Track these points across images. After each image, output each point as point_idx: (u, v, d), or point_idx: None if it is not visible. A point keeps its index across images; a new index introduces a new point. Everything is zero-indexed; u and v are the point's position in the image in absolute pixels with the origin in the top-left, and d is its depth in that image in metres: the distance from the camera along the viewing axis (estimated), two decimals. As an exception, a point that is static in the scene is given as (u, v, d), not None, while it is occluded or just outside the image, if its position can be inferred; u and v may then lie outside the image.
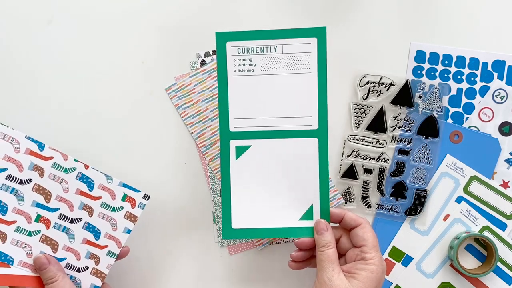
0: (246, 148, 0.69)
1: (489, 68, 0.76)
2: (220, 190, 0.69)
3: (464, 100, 0.76)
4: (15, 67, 0.77)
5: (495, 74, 0.76)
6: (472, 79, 0.76)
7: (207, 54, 0.76)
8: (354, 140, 0.76)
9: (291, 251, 0.69)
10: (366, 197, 0.76)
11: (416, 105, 0.76)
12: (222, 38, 0.68)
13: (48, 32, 0.77)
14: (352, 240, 0.66)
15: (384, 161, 0.76)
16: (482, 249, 0.75)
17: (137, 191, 0.69)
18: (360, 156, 0.76)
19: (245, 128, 0.68)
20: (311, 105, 0.68)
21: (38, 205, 0.65)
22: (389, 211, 0.76)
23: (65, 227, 0.66)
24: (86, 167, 0.67)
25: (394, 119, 0.76)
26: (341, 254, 0.67)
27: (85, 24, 0.77)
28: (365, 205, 0.76)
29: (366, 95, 0.76)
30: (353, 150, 0.76)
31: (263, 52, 0.67)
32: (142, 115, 0.77)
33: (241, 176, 0.69)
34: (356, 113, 0.76)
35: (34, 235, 0.65)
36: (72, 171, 0.66)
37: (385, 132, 0.76)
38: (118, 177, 0.77)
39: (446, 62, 0.76)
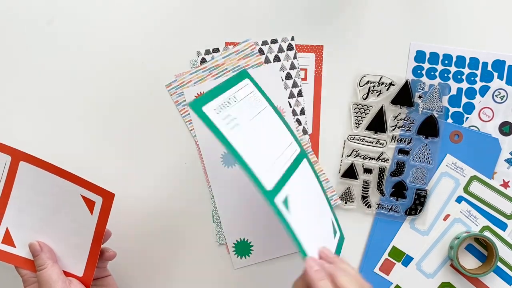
0: (287, 198, 0.59)
1: (489, 68, 0.76)
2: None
3: (464, 100, 0.76)
4: (15, 67, 0.77)
5: (495, 74, 0.76)
6: (472, 79, 0.76)
7: (207, 52, 0.77)
8: (354, 140, 0.76)
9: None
10: (366, 197, 0.76)
11: (416, 105, 0.76)
12: (197, 106, 0.57)
13: (48, 32, 0.77)
14: None
15: (384, 161, 0.76)
16: (483, 249, 0.75)
17: None
18: (360, 156, 0.76)
19: (275, 179, 0.59)
20: (286, 133, 0.67)
21: None
22: (389, 211, 0.76)
23: None
24: None
25: (394, 119, 0.76)
26: None
27: (85, 24, 0.77)
28: (365, 205, 0.76)
29: (366, 95, 0.76)
30: (353, 150, 0.76)
31: (230, 104, 0.62)
32: (142, 114, 0.77)
33: (298, 221, 0.59)
34: (356, 113, 0.76)
35: None
36: None
37: (385, 132, 0.76)
38: (117, 176, 0.77)
39: (446, 62, 0.76)
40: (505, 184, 0.75)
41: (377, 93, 0.76)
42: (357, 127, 0.76)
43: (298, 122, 0.76)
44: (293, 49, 0.76)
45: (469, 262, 0.75)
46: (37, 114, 0.77)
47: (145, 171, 0.77)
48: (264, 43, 0.76)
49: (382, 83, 0.76)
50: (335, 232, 0.68)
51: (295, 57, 0.76)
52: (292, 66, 0.76)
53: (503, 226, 0.75)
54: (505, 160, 0.75)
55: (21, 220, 0.66)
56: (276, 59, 0.76)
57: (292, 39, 0.76)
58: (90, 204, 0.65)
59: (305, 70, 0.76)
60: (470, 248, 0.75)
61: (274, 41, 0.76)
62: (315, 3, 0.77)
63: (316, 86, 0.76)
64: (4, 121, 0.78)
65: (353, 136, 0.76)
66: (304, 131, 0.76)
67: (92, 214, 0.65)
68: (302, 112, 0.76)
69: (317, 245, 0.61)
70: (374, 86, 0.76)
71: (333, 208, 0.73)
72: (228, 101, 0.62)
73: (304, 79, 0.76)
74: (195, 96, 0.76)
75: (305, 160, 0.68)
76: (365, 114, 0.76)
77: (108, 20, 0.77)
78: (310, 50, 0.76)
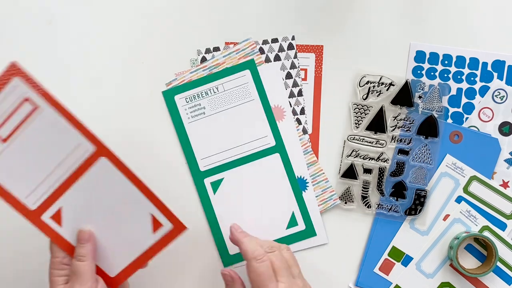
0: (219, 181, 0.76)
1: (489, 68, 0.76)
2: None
3: (464, 100, 0.76)
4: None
5: (495, 74, 0.76)
6: (472, 79, 0.76)
7: (207, 51, 0.77)
8: (354, 140, 0.76)
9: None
10: (366, 197, 0.76)
11: (416, 105, 0.76)
12: (169, 94, 0.76)
13: (48, 32, 0.77)
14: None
15: (384, 161, 0.76)
16: (482, 249, 0.75)
17: None
18: (360, 156, 0.76)
19: (214, 165, 0.76)
20: (264, 126, 0.76)
21: None
22: (389, 211, 0.76)
23: None
24: None
25: (394, 119, 0.76)
26: None
27: (85, 24, 0.77)
28: (365, 205, 0.76)
29: (366, 95, 0.76)
30: (353, 150, 0.76)
31: (208, 95, 0.75)
32: (142, 113, 0.77)
33: (224, 207, 0.76)
34: (356, 113, 0.76)
35: None
36: None
37: (385, 132, 0.76)
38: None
39: (446, 62, 0.76)
40: (505, 184, 0.75)
41: (377, 93, 0.76)
42: (357, 127, 0.76)
43: (298, 121, 0.76)
44: (293, 48, 0.76)
45: (469, 262, 0.75)
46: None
47: (144, 171, 0.77)
48: (265, 42, 0.76)
49: (382, 83, 0.76)
50: (292, 224, 0.76)
51: (295, 57, 0.76)
52: (293, 66, 0.76)
53: (503, 226, 0.75)
54: (505, 160, 0.75)
55: (78, 205, 0.64)
56: (277, 58, 0.76)
57: (293, 38, 0.76)
58: (156, 224, 0.64)
59: (305, 70, 0.76)
60: (469, 248, 0.75)
61: (275, 40, 0.76)
62: (315, 3, 0.77)
63: (316, 86, 0.77)
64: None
65: (353, 136, 0.76)
66: (304, 131, 0.76)
67: (153, 233, 0.64)
68: (302, 111, 0.76)
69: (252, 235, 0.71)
70: (374, 86, 0.76)
71: (303, 203, 0.76)
72: (206, 91, 0.75)
73: (304, 79, 0.76)
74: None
75: (277, 154, 0.76)
76: (365, 114, 0.76)
77: (108, 19, 0.77)
78: (310, 50, 0.76)
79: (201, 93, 0.75)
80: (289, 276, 0.65)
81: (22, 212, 0.63)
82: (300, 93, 0.76)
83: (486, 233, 0.74)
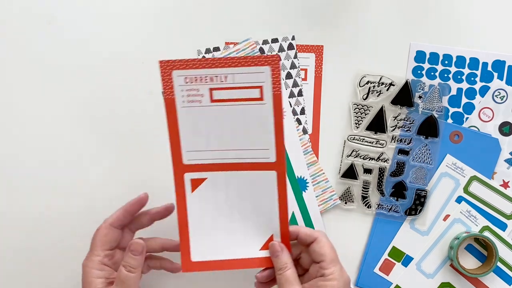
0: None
1: (489, 68, 0.76)
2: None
3: (464, 100, 0.76)
4: (15, 67, 0.77)
5: (495, 74, 0.76)
6: (472, 79, 0.76)
7: (207, 51, 0.76)
8: (354, 140, 0.76)
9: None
10: (366, 197, 0.76)
11: (416, 105, 0.76)
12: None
13: (48, 32, 0.77)
14: (311, 256, 0.64)
15: (384, 161, 0.76)
16: (482, 249, 0.75)
17: None
18: (360, 156, 0.76)
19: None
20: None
21: None
22: (389, 211, 0.76)
23: None
24: None
25: (394, 119, 0.76)
26: (306, 269, 0.65)
27: (85, 24, 0.77)
28: (365, 205, 0.76)
29: (366, 95, 0.76)
30: (353, 150, 0.76)
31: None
32: (142, 113, 0.77)
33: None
34: (356, 113, 0.76)
35: None
36: None
37: (385, 132, 0.76)
38: (118, 177, 0.77)
39: (446, 62, 0.76)
40: (505, 184, 0.75)
41: (377, 93, 0.76)
42: (357, 127, 0.76)
43: (298, 121, 0.76)
44: (293, 48, 0.76)
45: (469, 262, 0.75)
46: (37, 113, 0.77)
47: (145, 172, 0.77)
48: (265, 42, 0.76)
49: (382, 83, 0.76)
50: (292, 224, 0.73)
51: (295, 57, 0.76)
52: (293, 66, 0.76)
53: (503, 226, 0.75)
54: (505, 160, 0.75)
55: (218, 187, 0.65)
56: (277, 58, 0.76)
57: (293, 38, 0.76)
58: (266, 246, 0.65)
59: (305, 70, 0.76)
60: (470, 248, 0.75)
61: (275, 40, 0.76)
62: (315, 3, 0.77)
63: (316, 86, 0.76)
64: (4, 121, 0.78)
65: (353, 136, 0.76)
66: (304, 131, 0.76)
67: (258, 251, 0.65)
68: (302, 111, 0.76)
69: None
70: (374, 86, 0.76)
71: (303, 203, 0.75)
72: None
73: (304, 79, 0.76)
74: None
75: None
76: (365, 114, 0.76)
77: (108, 19, 0.77)
78: (310, 50, 0.76)
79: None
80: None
81: (174, 158, 0.64)
82: (300, 93, 0.76)
83: (487, 233, 0.74)
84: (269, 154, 0.63)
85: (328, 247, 0.63)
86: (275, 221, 0.65)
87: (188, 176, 0.65)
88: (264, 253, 0.65)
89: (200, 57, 0.76)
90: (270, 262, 0.65)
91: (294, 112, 0.76)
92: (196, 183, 0.66)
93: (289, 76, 0.76)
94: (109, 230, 0.65)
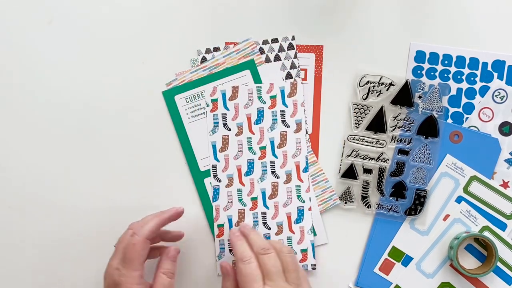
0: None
1: (489, 68, 0.76)
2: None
3: (464, 100, 0.76)
4: (15, 67, 0.77)
5: (495, 74, 0.76)
6: (472, 79, 0.76)
7: (207, 51, 0.77)
8: (354, 140, 0.76)
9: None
10: (366, 197, 0.76)
11: (416, 105, 0.76)
12: (170, 94, 0.75)
13: (48, 32, 0.77)
14: None
15: (384, 161, 0.76)
16: (482, 249, 0.75)
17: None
18: (360, 156, 0.76)
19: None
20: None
21: None
22: (389, 211, 0.76)
23: None
24: None
25: (394, 119, 0.76)
26: None
27: (85, 24, 0.77)
28: (365, 205, 0.76)
29: (366, 95, 0.76)
30: (353, 150, 0.76)
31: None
32: (143, 112, 0.77)
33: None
34: (356, 113, 0.76)
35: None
36: None
37: (385, 132, 0.76)
38: (118, 177, 0.77)
39: (446, 62, 0.76)
40: (505, 184, 0.75)
41: (377, 93, 0.76)
42: (357, 127, 0.76)
43: (298, 122, 0.76)
44: (293, 48, 0.76)
45: (469, 262, 0.75)
46: (37, 113, 0.77)
47: (145, 171, 0.77)
48: (265, 42, 0.76)
49: (382, 83, 0.76)
50: None
51: (295, 57, 0.76)
52: (293, 66, 0.76)
53: (503, 226, 0.75)
54: (505, 160, 0.75)
55: None
56: (277, 58, 0.76)
57: (293, 38, 0.76)
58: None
59: (305, 70, 0.76)
60: (469, 248, 0.75)
61: (275, 40, 0.76)
62: (314, 3, 0.77)
63: (316, 86, 0.76)
64: (3, 120, 0.78)
65: (353, 136, 0.76)
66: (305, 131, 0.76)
67: None
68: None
69: None
70: (374, 86, 0.76)
71: None
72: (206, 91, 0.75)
73: (304, 79, 0.76)
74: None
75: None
76: (365, 114, 0.76)
77: (108, 19, 0.77)
78: (310, 50, 0.76)
79: (201, 93, 0.76)
80: (280, 280, 0.64)
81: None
82: (300, 93, 0.76)
83: (486, 233, 0.74)
84: None
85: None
86: None
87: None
88: None
89: (200, 57, 0.76)
90: None
91: (294, 112, 0.76)
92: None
93: (289, 76, 0.76)
94: (146, 244, 0.65)
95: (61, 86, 0.77)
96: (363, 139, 0.76)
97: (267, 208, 0.75)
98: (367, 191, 0.76)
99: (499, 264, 0.74)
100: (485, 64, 0.76)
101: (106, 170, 0.77)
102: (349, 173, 0.76)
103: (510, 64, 0.75)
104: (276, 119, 0.75)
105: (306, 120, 0.76)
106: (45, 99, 0.77)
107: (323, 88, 0.77)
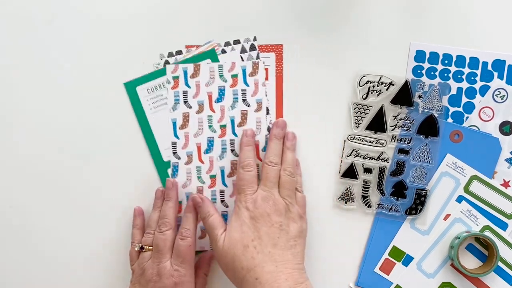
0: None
1: (489, 68, 0.76)
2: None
3: (464, 99, 0.76)
4: (15, 67, 0.77)
5: (495, 74, 0.76)
6: (472, 78, 0.76)
7: (170, 55, 0.77)
8: (354, 140, 0.76)
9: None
10: (366, 196, 0.76)
11: (416, 105, 0.76)
12: (131, 85, 0.76)
13: (48, 32, 0.77)
14: None
15: (384, 161, 0.76)
16: (483, 248, 0.75)
17: None
18: (360, 156, 0.76)
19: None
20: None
21: None
22: (389, 211, 0.76)
23: None
24: None
25: (394, 119, 0.76)
26: None
27: (85, 24, 0.77)
28: (365, 204, 0.76)
29: (365, 95, 0.76)
30: (353, 150, 0.76)
31: (169, 84, 0.76)
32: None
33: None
34: (356, 113, 0.76)
35: None
36: None
37: (385, 132, 0.76)
38: (110, 175, 0.77)
39: (446, 61, 0.76)
40: (506, 184, 0.75)
41: (377, 93, 0.76)
42: (357, 127, 0.76)
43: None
44: (255, 49, 0.76)
45: (470, 262, 0.75)
46: (37, 113, 0.78)
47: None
48: (227, 44, 0.76)
49: (382, 83, 0.76)
50: None
51: (257, 57, 0.76)
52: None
53: (504, 226, 0.75)
54: (506, 160, 0.75)
55: None
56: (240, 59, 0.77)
57: (255, 39, 0.76)
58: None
59: (266, 70, 0.76)
60: (470, 248, 0.75)
61: (237, 41, 0.76)
62: (314, 2, 0.77)
63: (278, 85, 0.76)
64: (3, 120, 0.78)
65: (353, 136, 0.76)
66: (269, 130, 0.76)
67: None
68: (267, 111, 0.76)
69: None
70: (373, 86, 0.76)
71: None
72: (169, 80, 0.76)
73: (266, 79, 0.76)
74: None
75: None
76: (365, 114, 0.76)
77: (109, 20, 0.77)
78: (270, 49, 0.76)
79: (162, 83, 0.76)
80: (274, 189, 0.70)
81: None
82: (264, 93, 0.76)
83: (487, 233, 0.74)
84: None
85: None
86: None
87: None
88: None
89: (163, 61, 0.76)
90: None
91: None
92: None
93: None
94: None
95: (60, 86, 0.77)
96: (363, 138, 0.76)
97: (226, 186, 0.76)
98: (368, 190, 0.76)
99: (500, 263, 0.74)
100: (485, 64, 0.76)
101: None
102: (349, 172, 0.76)
103: (510, 64, 0.75)
104: (237, 98, 0.75)
105: (271, 120, 0.76)
106: (44, 98, 0.77)
107: (324, 88, 0.76)
